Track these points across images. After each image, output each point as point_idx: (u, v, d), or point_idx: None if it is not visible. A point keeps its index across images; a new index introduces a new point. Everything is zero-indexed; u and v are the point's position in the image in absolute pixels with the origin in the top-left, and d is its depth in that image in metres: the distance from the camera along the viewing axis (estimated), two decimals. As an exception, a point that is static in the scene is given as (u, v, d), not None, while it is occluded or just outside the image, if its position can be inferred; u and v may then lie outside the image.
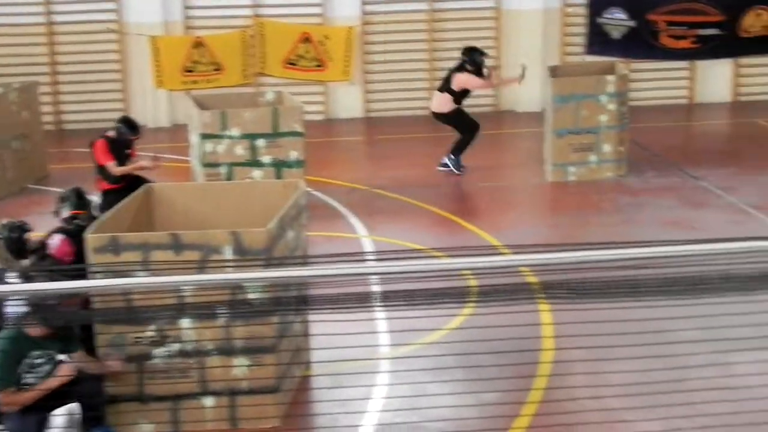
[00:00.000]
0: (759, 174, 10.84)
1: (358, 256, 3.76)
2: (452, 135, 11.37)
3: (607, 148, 10.75)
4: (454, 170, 11.13)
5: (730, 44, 13.04)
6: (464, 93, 11.25)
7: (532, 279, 3.52)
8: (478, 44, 13.78)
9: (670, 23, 12.95)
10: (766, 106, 14.56)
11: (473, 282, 3.58)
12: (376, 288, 3.49)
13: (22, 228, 6.21)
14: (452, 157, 11.17)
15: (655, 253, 3.73)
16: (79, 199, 6.63)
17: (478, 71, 11.20)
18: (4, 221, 6.29)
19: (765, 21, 13.02)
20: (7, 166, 10.98)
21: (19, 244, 6.12)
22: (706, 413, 4.80)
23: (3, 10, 14.27)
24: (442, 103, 11.23)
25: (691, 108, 15.00)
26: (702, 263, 3.65)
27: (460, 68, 11.21)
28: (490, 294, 3.68)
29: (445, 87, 11.21)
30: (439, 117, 11.35)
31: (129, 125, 8.96)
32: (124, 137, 8.86)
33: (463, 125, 11.24)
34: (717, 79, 15.08)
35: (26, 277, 5.38)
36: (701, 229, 8.78)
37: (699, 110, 14.83)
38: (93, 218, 6.16)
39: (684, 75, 15.10)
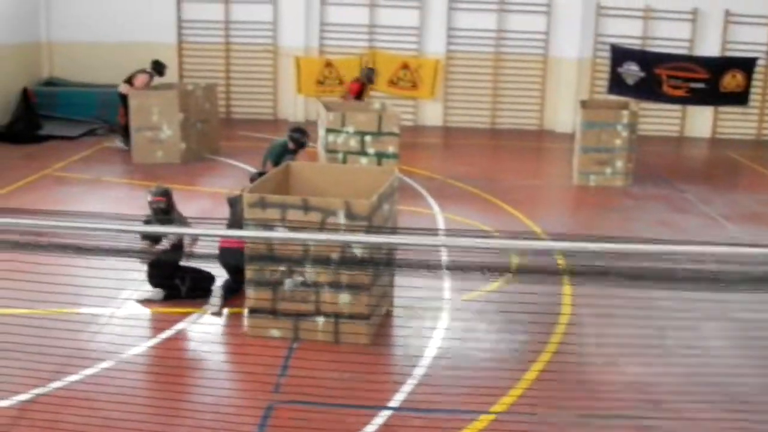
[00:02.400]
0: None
1: (432, 231, 3.54)
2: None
3: (619, 163, 10.28)
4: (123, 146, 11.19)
5: (713, 96, 12.50)
6: None
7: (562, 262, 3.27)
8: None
9: (670, 77, 12.48)
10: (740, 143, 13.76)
11: (515, 259, 3.35)
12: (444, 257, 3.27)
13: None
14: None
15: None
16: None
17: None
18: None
19: (738, 81, 12.44)
20: (192, 140, 11.07)
21: None
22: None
23: (196, 32, 14.34)
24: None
25: (680, 140, 14.29)
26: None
27: None
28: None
29: None
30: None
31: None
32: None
33: None
34: (700, 119, 14.35)
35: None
36: (682, 228, 8.29)
37: (686, 143, 14.10)
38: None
39: (678, 114, 14.39)
